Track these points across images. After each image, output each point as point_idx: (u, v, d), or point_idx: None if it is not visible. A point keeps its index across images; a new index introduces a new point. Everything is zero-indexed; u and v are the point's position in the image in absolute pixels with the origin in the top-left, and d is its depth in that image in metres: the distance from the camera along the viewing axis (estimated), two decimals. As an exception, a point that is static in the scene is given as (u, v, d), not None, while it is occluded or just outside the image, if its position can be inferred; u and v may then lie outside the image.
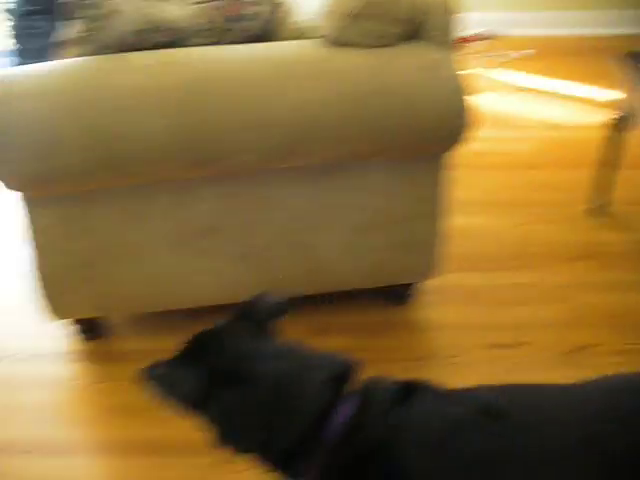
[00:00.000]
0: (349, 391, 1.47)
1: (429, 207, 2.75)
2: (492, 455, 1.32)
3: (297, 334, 1.72)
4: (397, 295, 3.12)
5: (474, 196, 3.90)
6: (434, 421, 1.37)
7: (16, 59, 3.67)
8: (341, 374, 1.50)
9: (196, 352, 1.58)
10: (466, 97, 2.40)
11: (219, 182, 2.58)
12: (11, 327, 3.24)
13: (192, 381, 1.50)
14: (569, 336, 2.94)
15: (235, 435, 1.52)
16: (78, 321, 3.03)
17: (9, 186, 2.45)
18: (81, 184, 2.44)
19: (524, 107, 5.07)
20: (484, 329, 2.99)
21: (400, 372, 1.62)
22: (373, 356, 1.96)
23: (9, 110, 2.29)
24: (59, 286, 2.75)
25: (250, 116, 2.32)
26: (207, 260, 2.71)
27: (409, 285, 3.09)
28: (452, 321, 3.06)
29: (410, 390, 1.46)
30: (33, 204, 2.59)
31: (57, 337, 3.12)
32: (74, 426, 2.73)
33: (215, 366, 1.52)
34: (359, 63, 2.38)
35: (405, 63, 2.40)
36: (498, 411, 1.36)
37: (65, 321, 3.03)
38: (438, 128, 2.40)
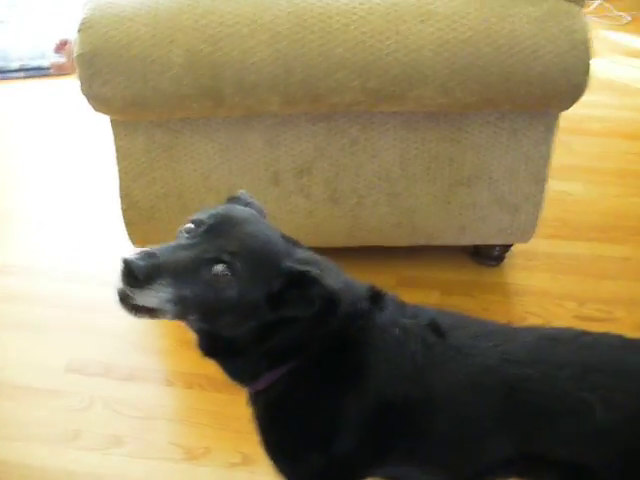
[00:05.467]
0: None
1: (533, 167, 2.61)
2: (427, 367, 1.52)
3: (384, 284, 1.66)
4: (489, 256, 3.01)
5: (572, 162, 3.74)
6: (393, 328, 1.55)
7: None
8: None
9: None
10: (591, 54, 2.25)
11: (315, 122, 2.49)
12: (94, 252, 3.24)
13: None
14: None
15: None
16: (159, 251, 3.01)
17: (100, 109, 2.39)
18: (176, 111, 2.37)
19: (635, 73, 4.83)
20: (573, 300, 2.86)
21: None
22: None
23: (119, 32, 2.22)
24: (142, 214, 2.71)
25: (357, 56, 2.21)
26: (302, 200, 2.63)
27: (502, 247, 2.97)
28: (541, 288, 2.94)
29: (377, 297, 1.60)
30: (120, 129, 2.54)
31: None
32: (148, 354, 2.71)
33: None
34: (476, 7, 2.24)
35: (526, 11, 2.24)
36: (440, 329, 1.55)
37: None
38: (557, 83, 2.25)
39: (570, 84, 2.26)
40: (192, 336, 1.57)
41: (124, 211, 2.70)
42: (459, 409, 1.52)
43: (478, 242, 2.89)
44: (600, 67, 4.69)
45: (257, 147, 2.53)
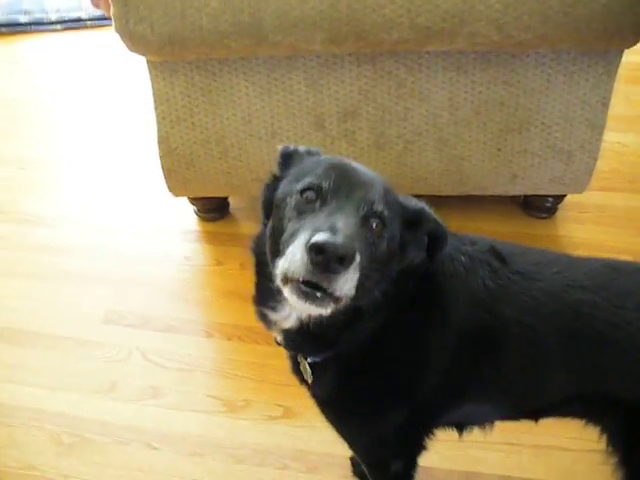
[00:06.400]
0: None
1: (589, 113, 2.47)
2: (497, 291, 1.47)
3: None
4: (540, 208, 2.89)
5: (629, 112, 3.58)
6: (459, 256, 1.51)
7: None
8: None
9: None
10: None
11: (360, 64, 2.37)
12: (134, 201, 3.20)
13: None
14: None
15: None
16: (199, 200, 2.94)
17: (136, 48, 2.30)
18: (215, 50, 2.27)
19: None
20: (628, 253, 2.72)
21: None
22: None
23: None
24: (180, 161, 2.63)
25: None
26: (345, 144, 2.52)
27: (555, 198, 2.84)
28: (595, 241, 2.81)
29: None
30: (158, 72, 2.45)
31: (178, 215, 3.06)
32: (186, 306, 2.65)
33: None
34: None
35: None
36: (501, 255, 1.51)
37: (187, 200, 2.96)
38: (621, 17, 2.10)
39: (636, 17, 2.10)
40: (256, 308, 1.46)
41: (162, 158, 2.63)
42: (526, 333, 1.46)
43: (530, 192, 2.76)
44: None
45: (300, 90, 2.43)
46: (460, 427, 1.71)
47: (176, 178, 2.68)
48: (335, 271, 1.13)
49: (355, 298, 1.24)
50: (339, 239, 1.12)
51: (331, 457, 2.09)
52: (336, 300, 1.19)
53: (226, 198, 3.00)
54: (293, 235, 1.22)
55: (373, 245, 1.26)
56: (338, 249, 1.11)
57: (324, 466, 2.08)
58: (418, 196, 2.69)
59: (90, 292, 2.72)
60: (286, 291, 1.20)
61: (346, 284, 1.17)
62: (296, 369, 1.59)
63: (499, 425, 1.70)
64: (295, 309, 1.28)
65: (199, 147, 2.57)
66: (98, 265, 2.84)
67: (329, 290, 1.16)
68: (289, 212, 1.30)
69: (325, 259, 1.12)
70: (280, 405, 2.25)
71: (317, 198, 1.28)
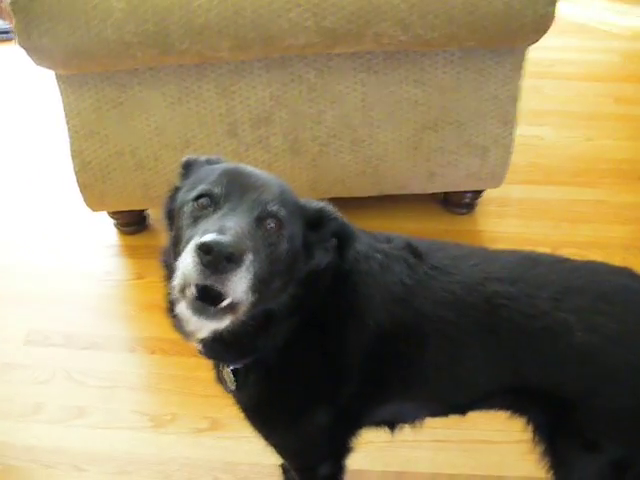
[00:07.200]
0: None
1: (500, 108, 2.51)
2: (414, 287, 1.48)
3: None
4: (460, 204, 2.92)
5: (543, 106, 3.65)
6: (375, 254, 1.51)
7: None
8: None
9: None
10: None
11: (270, 69, 2.36)
12: (52, 218, 3.12)
13: None
14: (634, 259, 2.72)
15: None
16: (117, 213, 2.89)
17: (42, 62, 2.26)
18: (122, 61, 2.23)
19: (607, 15, 4.76)
20: (547, 245, 2.78)
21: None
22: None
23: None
24: (96, 175, 2.59)
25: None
26: (260, 151, 2.51)
27: (473, 193, 2.87)
28: (515, 235, 2.86)
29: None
30: (67, 85, 2.41)
31: (98, 230, 3.00)
32: (108, 321, 2.61)
33: None
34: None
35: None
36: (417, 251, 1.53)
37: (105, 214, 2.91)
38: (522, 15, 2.14)
39: (536, 15, 2.15)
40: (160, 304, 1.44)
41: (77, 172, 2.58)
42: (445, 329, 1.47)
43: (448, 189, 2.79)
44: (570, 10, 4.63)
45: (211, 98, 2.40)
46: (391, 425, 1.71)
47: (92, 192, 2.64)
48: (225, 270, 1.13)
49: (260, 301, 1.25)
50: (226, 237, 1.12)
51: (261, 466, 2.07)
52: (232, 309, 1.18)
53: (145, 210, 2.96)
54: (187, 242, 1.21)
55: (272, 245, 1.26)
56: (225, 247, 1.11)
57: (254, 476, 2.07)
58: (337, 199, 2.72)
59: (10, 312, 2.66)
60: (180, 308, 1.20)
61: (240, 284, 1.16)
62: (220, 377, 1.58)
63: (427, 423, 1.70)
64: (192, 325, 1.25)
65: (114, 160, 2.53)
66: (18, 285, 2.78)
67: (223, 291, 1.15)
68: (186, 221, 1.30)
69: (214, 258, 1.11)
70: (207, 417, 2.23)
71: (211, 204, 1.27)
